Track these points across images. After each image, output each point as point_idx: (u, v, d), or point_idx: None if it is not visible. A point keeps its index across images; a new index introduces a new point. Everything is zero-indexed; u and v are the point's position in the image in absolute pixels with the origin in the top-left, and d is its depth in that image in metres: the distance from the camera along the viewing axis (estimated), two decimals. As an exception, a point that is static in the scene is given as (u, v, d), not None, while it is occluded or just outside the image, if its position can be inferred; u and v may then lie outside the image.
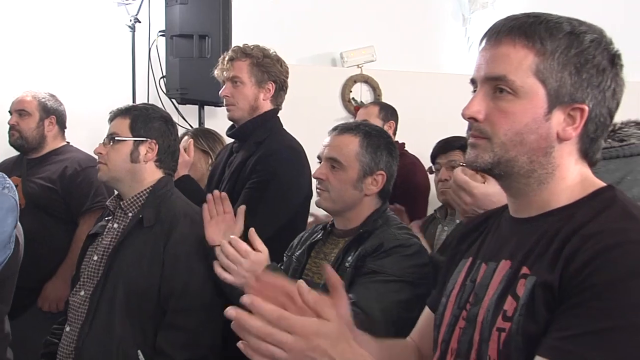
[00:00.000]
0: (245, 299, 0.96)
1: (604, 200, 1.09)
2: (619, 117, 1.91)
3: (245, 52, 2.48)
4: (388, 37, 4.80)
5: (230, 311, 0.96)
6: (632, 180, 1.79)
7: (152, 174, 2.10)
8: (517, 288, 1.07)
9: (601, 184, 1.14)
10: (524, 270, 1.08)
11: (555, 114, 1.10)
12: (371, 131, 1.94)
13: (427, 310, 1.38)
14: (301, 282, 1.04)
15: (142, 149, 2.06)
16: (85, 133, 3.39)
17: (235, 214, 1.97)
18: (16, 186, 2.99)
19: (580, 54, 1.08)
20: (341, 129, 1.94)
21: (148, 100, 3.94)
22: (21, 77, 3.71)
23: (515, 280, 1.08)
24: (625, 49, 1.19)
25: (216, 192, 1.97)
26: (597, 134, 1.13)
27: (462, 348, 1.15)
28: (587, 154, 1.14)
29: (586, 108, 1.09)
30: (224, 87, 2.50)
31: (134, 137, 2.06)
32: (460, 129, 1.21)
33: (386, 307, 1.67)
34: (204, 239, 1.97)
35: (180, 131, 3.85)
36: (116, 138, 2.06)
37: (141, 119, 2.09)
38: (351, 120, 3.75)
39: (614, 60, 1.11)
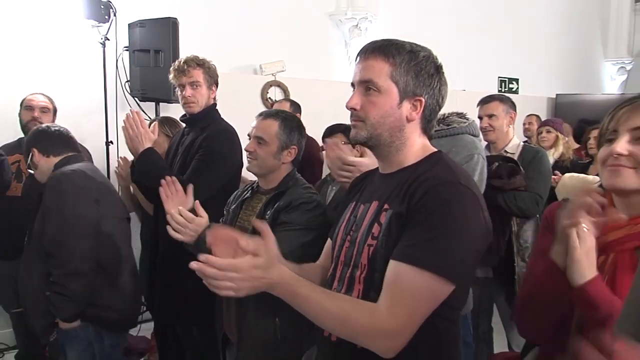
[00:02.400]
0: (201, 258, 1.00)
1: (435, 160, 1.19)
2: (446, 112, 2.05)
3: (198, 63, 2.39)
4: (294, 54, 4.83)
5: (193, 265, 0.99)
6: (455, 152, 1.92)
7: (47, 163, 2.20)
8: (381, 218, 1.15)
9: (434, 149, 1.23)
10: (386, 206, 1.16)
11: (404, 103, 1.16)
12: (287, 117, 1.92)
13: (329, 240, 1.41)
14: (238, 235, 1.09)
15: (35, 159, 2.20)
16: (68, 124, 3.25)
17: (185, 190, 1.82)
18: (19, 161, 2.89)
19: (417, 64, 1.16)
20: (265, 115, 1.91)
21: (117, 99, 3.83)
22: (22, 81, 3.53)
23: (380, 213, 1.16)
24: (448, 66, 1.30)
25: (168, 177, 1.81)
26: (431, 117, 1.21)
27: (347, 260, 1.22)
28: (425, 130, 1.22)
29: (423, 100, 1.17)
30: (185, 90, 2.38)
31: (28, 156, 2.23)
32: (344, 119, 1.28)
33: (294, 250, 1.61)
34: (68, 193, 2.06)
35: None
36: (29, 162, 2.23)
37: (31, 145, 2.23)
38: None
39: (439, 69, 1.19)
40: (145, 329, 3.68)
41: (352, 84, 1.20)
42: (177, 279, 2.19)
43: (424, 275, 1.02)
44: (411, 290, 1.03)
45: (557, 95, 6.77)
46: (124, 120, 2.28)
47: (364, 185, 1.33)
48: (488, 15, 6.11)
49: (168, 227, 1.74)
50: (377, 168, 1.30)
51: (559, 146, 3.86)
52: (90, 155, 3.13)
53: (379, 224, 1.15)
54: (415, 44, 1.19)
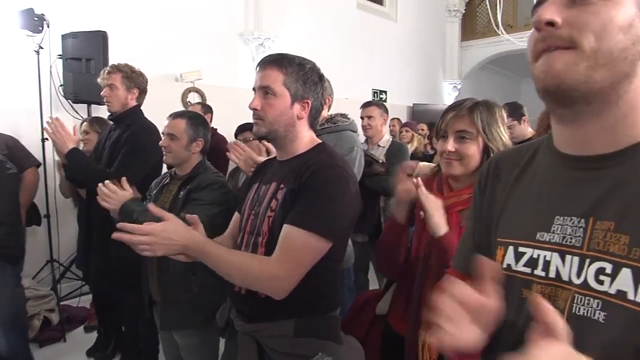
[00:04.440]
0: (118, 226, 0.99)
1: (320, 149, 1.21)
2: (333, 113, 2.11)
3: (118, 68, 2.25)
4: (210, 65, 4.71)
5: (115, 235, 0.97)
6: (340, 145, 1.94)
7: None
8: (278, 195, 1.16)
9: (319, 141, 1.24)
10: (282, 185, 1.16)
11: (295, 105, 1.16)
12: (192, 115, 1.86)
13: (236, 213, 1.38)
14: (153, 206, 1.09)
15: None
16: (7, 124, 2.90)
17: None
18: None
19: (305, 74, 1.16)
20: (174, 116, 1.82)
21: (51, 101, 3.49)
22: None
23: (277, 191, 1.17)
24: (334, 79, 1.33)
25: (101, 185, 1.67)
26: (316, 115, 1.22)
27: (252, 229, 1.21)
28: (312, 126, 1.23)
29: (310, 102, 1.18)
30: (104, 90, 2.25)
31: None
32: (250, 119, 1.25)
33: (202, 220, 1.34)
34: None
35: (75, 122, 3.52)
36: None
37: None
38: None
39: (321, 78, 1.21)
40: (84, 300, 3.46)
41: (254, 89, 1.19)
42: (113, 254, 2.08)
43: (305, 234, 1.05)
44: (296, 245, 1.06)
45: (413, 104, 7.27)
46: (45, 129, 2.10)
47: (265, 170, 1.32)
48: (362, 41, 6.39)
49: (98, 198, 1.66)
50: (276, 156, 1.30)
51: (414, 142, 4.17)
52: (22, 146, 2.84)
53: (277, 200, 1.15)
54: (303, 57, 1.19)
